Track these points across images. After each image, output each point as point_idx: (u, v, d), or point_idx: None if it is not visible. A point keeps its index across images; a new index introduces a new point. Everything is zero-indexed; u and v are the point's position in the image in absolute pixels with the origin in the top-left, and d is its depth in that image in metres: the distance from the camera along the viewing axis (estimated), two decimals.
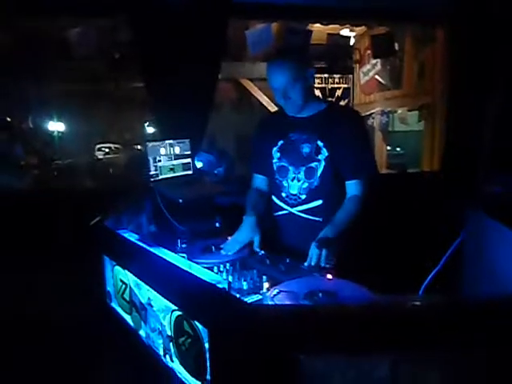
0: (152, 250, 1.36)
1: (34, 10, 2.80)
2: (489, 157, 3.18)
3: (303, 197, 1.72)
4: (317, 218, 1.71)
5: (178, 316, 1.09)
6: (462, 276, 1.57)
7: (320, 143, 1.67)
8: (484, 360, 0.87)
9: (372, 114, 5.45)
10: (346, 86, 5.76)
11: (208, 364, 0.95)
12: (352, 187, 1.67)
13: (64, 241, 2.58)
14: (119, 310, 1.51)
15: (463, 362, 0.87)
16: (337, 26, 3.75)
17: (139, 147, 13.81)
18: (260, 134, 1.90)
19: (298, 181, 1.72)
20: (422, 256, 1.72)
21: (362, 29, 4.50)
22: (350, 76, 5.66)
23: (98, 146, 13.55)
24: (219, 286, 1.05)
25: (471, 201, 1.65)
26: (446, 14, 3.29)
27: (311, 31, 3.38)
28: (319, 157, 1.68)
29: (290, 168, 1.74)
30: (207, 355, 0.96)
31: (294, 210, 1.76)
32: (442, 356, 0.86)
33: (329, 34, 3.74)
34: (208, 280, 1.07)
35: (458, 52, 3.28)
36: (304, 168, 1.71)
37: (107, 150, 13.67)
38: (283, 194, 1.78)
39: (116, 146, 13.93)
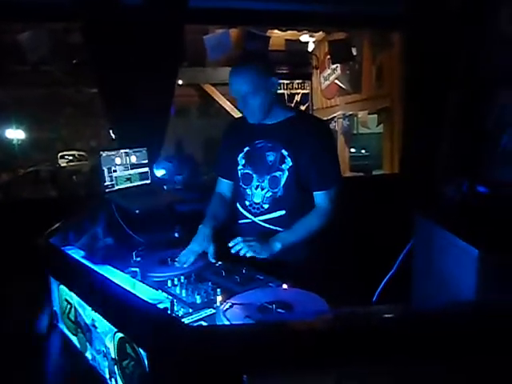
0: (96, 268, 1.30)
1: None
2: (445, 160, 3.28)
3: (266, 206, 1.68)
4: (279, 229, 1.67)
5: (121, 338, 1.04)
6: (412, 283, 1.59)
7: (285, 152, 1.63)
8: (435, 371, 0.87)
9: (334, 117, 5.54)
10: (304, 91, 5.83)
11: None
12: (318, 198, 1.64)
13: (14, 256, 2.45)
14: (66, 330, 1.44)
15: (413, 376, 0.87)
16: (295, 32, 3.78)
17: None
18: (227, 138, 1.85)
19: (262, 189, 1.69)
20: (376, 262, 1.73)
21: (320, 34, 4.55)
22: (309, 82, 5.73)
23: (61, 153, 13.13)
24: (160, 305, 1.01)
25: (422, 204, 1.68)
26: (401, 18, 3.37)
27: (269, 37, 3.39)
28: (283, 166, 1.64)
29: (255, 176, 1.70)
30: (149, 379, 0.92)
31: (256, 220, 1.72)
32: (392, 370, 0.85)
33: (287, 39, 3.77)
34: (149, 300, 1.02)
35: (414, 56, 3.38)
36: (268, 177, 1.67)
37: (71, 158, 13.27)
38: (247, 203, 1.74)
39: (80, 153, 13.53)
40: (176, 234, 2.15)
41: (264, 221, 1.70)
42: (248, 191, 1.72)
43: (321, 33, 4.25)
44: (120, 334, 1.04)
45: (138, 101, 2.80)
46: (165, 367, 0.85)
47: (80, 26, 2.78)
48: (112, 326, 1.06)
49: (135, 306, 0.97)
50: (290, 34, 3.66)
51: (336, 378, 0.83)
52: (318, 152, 1.61)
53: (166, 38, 2.83)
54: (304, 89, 5.74)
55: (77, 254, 1.46)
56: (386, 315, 0.97)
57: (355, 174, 5.50)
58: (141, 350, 0.93)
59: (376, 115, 4.30)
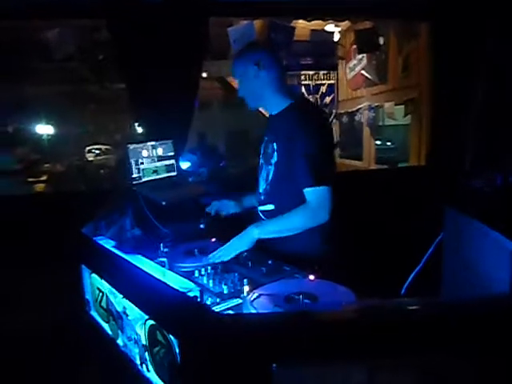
0: (127, 257, 1.33)
1: (8, 12, 2.74)
2: (474, 152, 3.19)
3: (262, 197, 1.73)
4: None
5: (152, 325, 1.06)
6: (442, 275, 1.56)
7: (275, 146, 1.64)
8: (465, 365, 0.85)
9: (359, 109, 5.45)
10: (330, 82, 5.73)
11: (180, 374, 0.93)
12: (306, 195, 1.55)
13: (47, 247, 2.54)
14: (98, 318, 1.48)
15: (443, 368, 0.85)
16: (321, 21, 3.72)
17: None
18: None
19: (263, 180, 1.73)
20: (404, 254, 1.70)
21: (346, 24, 4.47)
22: (335, 72, 5.63)
23: (88, 147, 13.44)
24: (190, 294, 1.03)
25: (452, 197, 1.63)
26: (429, 8, 3.28)
27: (294, 28, 3.35)
28: (271, 160, 1.65)
29: (263, 166, 1.74)
30: (179, 366, 0.93)
31: (258, 209, 1.77)
32: (421, 362, 0.84)
33: (312, 30, 3.71)
34: (179, 288, 1.04)
35: (442, 46, 3.28)
36: (267, 169, 1.70)
37: (98, 152, 13.57)
38: (257, 192, 1.79)
39: (106, 147, 13.82)
40: (201, 226, 2.17)
41: (261, 211, 1.74)
42: (259, 179, 1.77)
43: (346, 22, 4.17)
44: (151, 322, 1.06)
45: (163, 94, 2.82)
46: (195, 354, 0.86)
47: (105, 23, 2.82)
48: (143, 314, 1.09)
49: (166, 294, 0.99)
50: (315, 24, 3.60)
51: (367, 369, 0.82)
52: (307, 148, 1.52)
53: (191, 32, 2.83)
54: (330, 79, 5.66)
55: (107, 243, 1.49)
56: (417, 307, 0.95)
57: (380, 167, 5.41)
58: (171, 337, 0.95)
59: (403, 106, 4.20)
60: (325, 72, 5.50)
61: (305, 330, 0.85)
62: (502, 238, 1.11)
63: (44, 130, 13.00)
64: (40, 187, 9.34)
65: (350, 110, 5.78)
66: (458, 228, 1.42)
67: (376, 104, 5.06)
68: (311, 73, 5.36)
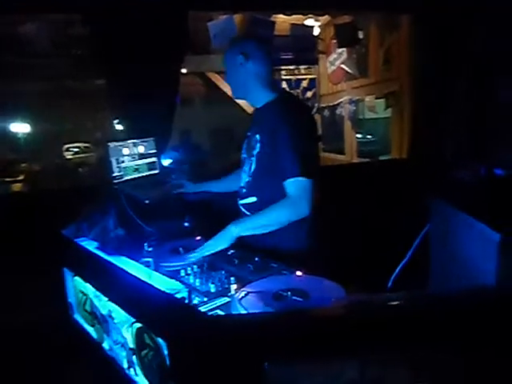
0: (111, 258, 1.29)
1: None
2: (455, 143, 3.24)
3: (244, 190, 1.73)
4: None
5: (139, 328, 1.04)
6: (429, 267, 1.57)
7: (258, 137, 1.64)
8: (457, 357, 0.86)
9: (340, 103, 5.47)
10: (312, 76, 5.74)
11: (170, 377, 0.91)
12: (286, 187, 1.54)
13: (26, 249, 2.47)
14: (82, 322, 1.44)
15: (435, 361, 0.86)
16: (300, 16, 3.71)
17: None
18: None
19: (244, 173, 1.73)
20: (390, 247, 1.71)
21: (326, 18, 4.47)
22: (316, 66, 5.63)
23: (67, 146, 13.16)
24: (178, 295, 1.00)
25: (435, 189, 1.65)
26: (412, 0, 3.30)
27: (274, 22, 3.33)
28: (254, 152, 1.66)
29: (246, 160, 1.74)
30: (169, 368, 0.91)
31: (239, 202, 1.77)
32: (412, 356, 0.84)
33: (292, 24, 3.70)
34: (166, 290, 1.02)
35: (424, 37, 3.30)
36: (249, 162, 1.70)
37: (76, 150, 13.30)
38: (239, 186, 1.79)
39: (85, 145, 13.56)
40: (186, 224, 2.14)
41: (242, 205, 1.74)
42: (241, 174, 1.77)
43: (326, 16, 4.17)
44: (138, 324, 1.03)
45: (143, 90, 2.76)
46: (185, 356, 0.85)
47: (82, 17, 2.74)
48: (129, 317, 1.06)
49: (153, 297, 0.97)
50: (294, 19, 3.59)
51: (359, 365, 0.82)
52: (290, 140, 1.52)
53: (170, 26, 2.79)
54: (311, 74, 5.67)
55: (90, 245, 1.45)
56: (406, 301, 0.95)
57: (362, 160, 5.46)
58: (159, 340, 0.93)
59: (384, 99, 4.23)
60: (306, 67, 5.51)
61: (296, 328, 0.84)
62: (488, 229, 1.12)
63: (20, 128, 12.67)
64: (17, 187, 9.13)
65: (331, 104, 5.80)
66: (444, 219, 1.44)
67: (357, 98, 5.09)
68: (292, 67, 5.36)
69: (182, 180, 2.23)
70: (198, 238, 1.82)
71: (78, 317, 1.48)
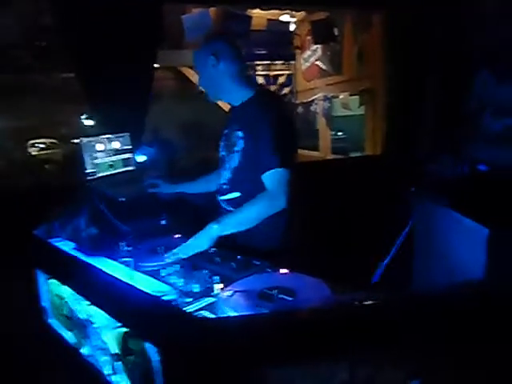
0: (90, 260, 1.23)
1: None
2: (431, 139, 3.30)
3: (225, 187, 1.72)
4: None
5: (124, 333, 0.99)
6: (413, 263, 1.59)
7: (240, 134, 1.64)
8: (446, 355, 0.86)
9: (315, 99, 5.48)
10: (289, 72, 5.71)
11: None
12: (264, 181, 1.56)
13: None
14: (58, 326, 1.37)
15: (424, 359, 0.85)
16: (276, 11, 3.67)
17: (77, 141, 13.09)
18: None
19: (225, 170, 1.72)
20: (370, 244, 1.72)
21: (301, 14, 4.46)
22: (293, 62, 5.61)
23: (31, 141, 12.66)
24: (165, 298, 0.96)
25: (416, 185, 1.66)
26: None
27: (251, 17, 3.29)
28: (236, 148, 1.65)
29: (225, 158, 1.73)
30: (156, 375, 0.87)
31: (220, 199, 1.75)
32: (403, 355, 0.84)
33: (269, 19, 3.67)
34: (152, 292, 0.97)
35: (396, 35, 3.35)
36: (230, 158, 1.69)
37: (42, 146, 12.82)
38: (219, 183, 1.78)
39: (51, 141, 13.09)
40: (163, 222, 2.09)
41: (224, 201, 1.73)
42: (221, 172, 1.76)
43: (302, 12, 4.16)
44: (122, 329, 0.98)
45: (116, 85, 2.67)
46: (177, 361, 0.81)
47: (53, 6, 2.61)
48: (112, 321, 1.01)
49: (139, 300, 0.92)
50: (271, 14, 3.56)
51: (349, 365, 0.80)
52: (265, 133, 1.54)
53: (145, 19, 2.70)
54: (289, 70, 5.63)
55: (66, 245, 1.38)
56: (394, 300, 0.95)
57: (336, 157, 5.51)
58: (147, 345, 0.88)
59: (358, 96, 4.26)
60: (283, 62, 5.46)
61: (287, 331, 0.82)
62: (476, 224, 1.13)
63: None
64: None
65: (305, 101, 5.81)
66: (428, 216, 1.45)
67: (331, 94, 5.11)
68: (268, 63, 5.31)
69: (157, 179, 2.17)
70: (177, 235, 1.77)
71: (53, 321, 1.40)
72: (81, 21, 2.57)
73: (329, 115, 5.39)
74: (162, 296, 0.99)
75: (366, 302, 0.91)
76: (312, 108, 5.63)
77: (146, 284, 1.07)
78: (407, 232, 1.43)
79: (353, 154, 5.47)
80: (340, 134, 8.67)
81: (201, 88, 1.77)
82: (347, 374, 0.79)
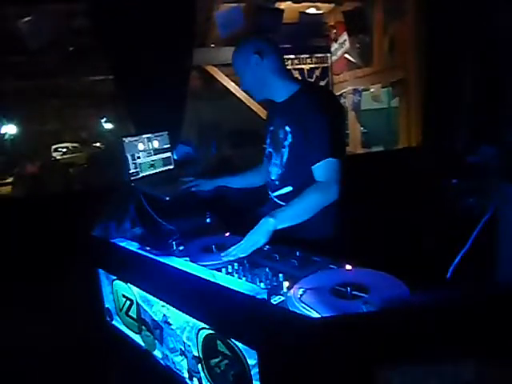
0: (161, 259, 1.20)
1: None
2: (468, 128, 3.19)
3: (277, 182, 1.70)
4: None
5: (208, 335, 0.95)
6: (496, 253, 1.50)
7: (288, 128, 1.62)
8: None
9: (343, 93, 5.39)
10: (324, 65, 5.59)
11: None
12: (315, 172, 1.53)
13: (48, 255, 2.32)
14: (124, 328, 1.34)
15: None
16: (309, 3, 3.60)
17: (98, 145, 13.27)
18: (267, 119, 1.86)
19: (275, 166, 1.71)
20: (417, 238, 1.63)
21: (328, 6, 4.37)
22: (328, 55, 5.50)
23: (55, 146, 12.88)
24: (258, 297, 0.92)
25: (452, 174, 1.57)
26: None
27: (282, 10, 3.23)
28: (285, 143, 1.64)
29: (274, 154, 1.72)
30: (253, 378, 0.83)
31: (272, 195, 1.74)
32: None
33: (301, 12, 3.60)
34: (243, 291, 0.93)
35: (432, 21, 3.23)
36: (280, 154, 1.68)
37: (65, 150, 13.04)
38: (269, 180, 1.76)
39: (73, 145, 13.31)
40: (208, 220, 2.07)
41: (276, 197, 1.71)
42: (270, 169, 1.75)
43: (329, 4, 4.07)
44: (207, 331, 0.94)
45: (154, 84, 2.65)
46: (281, 365, 0.76)
47: (87, 7, 2.61)
48: (194, 321, 0.97)
49: (231, 299, 0.88)
50: (303, 6, 3.49)
51: (474, 366, 0.75)
52: (314, 125, 1.53)
53: (179, 17, 2.67)
54: (324, 63, 5.51)
55: (131, 246, 1.35)
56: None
57: (367, 151, 5.41)
58: (241, 347, 0.84)
59: (390, 88, 4.16)
60: (318, 55, 5.35)
61: (405, 329, 0.76)
62: None
63: (6, 129, 12.34)
64: (7, 190, 8.86)
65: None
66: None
67: (361, 87, 5.01)
68: (303, 56, 5.21)
69: (197, 178, 2.15)
70: (227, 234, 1.74)
71: (117, 323, 1.38)
72: (118, 21, 2.56)
73: (358, 109, 5.29)
74: (256, 295, 0.94)
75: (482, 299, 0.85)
76: (341, 102, 5.56)
77: (231, 283, 1.02)
78: (486, 220, 1.35)
79: (383, 148, 5.36)
80: (370, 127, 8.53)
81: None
82: (472, 374, 0.73)
